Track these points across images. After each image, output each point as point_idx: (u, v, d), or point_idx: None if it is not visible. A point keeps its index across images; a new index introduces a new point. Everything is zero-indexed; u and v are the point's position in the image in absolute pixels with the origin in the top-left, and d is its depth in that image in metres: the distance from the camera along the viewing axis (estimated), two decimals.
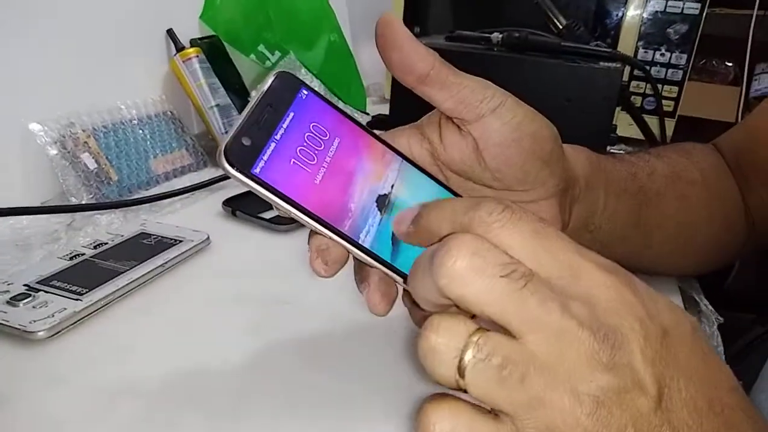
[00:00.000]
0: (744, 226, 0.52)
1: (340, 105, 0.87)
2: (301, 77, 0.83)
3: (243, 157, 0.25)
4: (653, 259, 0.48)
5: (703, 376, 0.22)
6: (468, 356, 0.21)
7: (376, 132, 0.32)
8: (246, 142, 0.25)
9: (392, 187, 0.29)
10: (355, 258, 0.28)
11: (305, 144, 0.27)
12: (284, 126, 0.27)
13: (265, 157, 0.25)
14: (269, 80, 0.28)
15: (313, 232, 0.28)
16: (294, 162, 0.27)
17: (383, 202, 0.29)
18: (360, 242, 0.27)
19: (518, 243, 0.22)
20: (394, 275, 0.27)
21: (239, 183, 0.25)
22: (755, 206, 0.52)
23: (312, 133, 0.28)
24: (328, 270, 0.28)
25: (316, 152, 0.28)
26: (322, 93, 0.31)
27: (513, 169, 0.32)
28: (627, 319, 0.21)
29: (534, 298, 0.21)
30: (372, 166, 0.29)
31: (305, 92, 0.29)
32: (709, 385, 0.22)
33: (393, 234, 0.27)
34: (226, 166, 0.24)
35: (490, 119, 0.31)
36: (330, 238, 0.27)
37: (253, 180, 0.25)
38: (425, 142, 0.34)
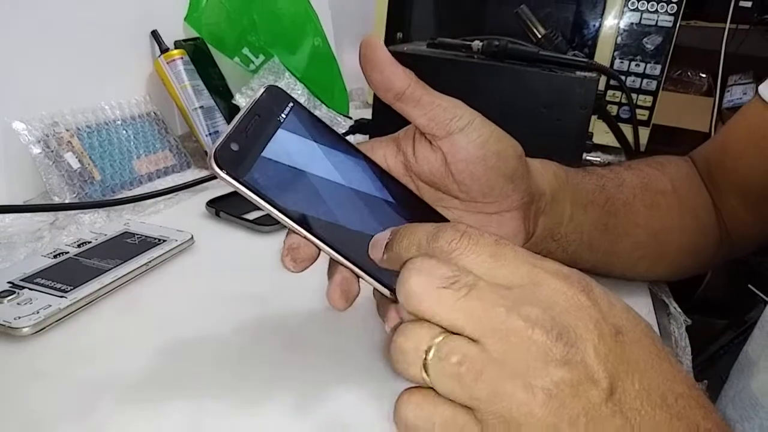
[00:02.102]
0: (717, 234, 0.54)
1: (324, 120, 0.89)
2: (285, 80, 0.84)
3: (231, 161, 0.27)
4: (623, 265, 0.50)
5: (657, 371, 0.24)
6: (430, 356, 0.24)
7: (358, 141, 0.35)
8: (234, 147, 0.28)
9: (366, 195, 0.32)
10: (330, 258, 0.31)
11: (289, 152, 0.30)
12: (271, 135, 0.30)
13: (251, 162, 0.28)
14: (259, 92, 0.31)
15: (289, 231, 0.30)
16: (278, 167, 0.29)
17: (358, 208, 0.31)
18: (332, 243, 0.29)
19: (476, 264, 0.24)
20: (365, 275, 0.30)
21: (226, 184, 0.27)
22: (728, 216, 0.54)
23: (296, 142, 0.31)
24: (296, 266, 0.31)
25: (299, 160, 0.30)
26: (307, 106, 0.35)
27: (478, 183, 0.35)
28: (582, 320, 0.24)
29: (479, 303, 0.23)
30: (350, 175, 0.32)
31: (292, 105, 0.32)
32: (663, 378, 0.24)
33: (367, 237, 0.30)
34: (215, 167, 0.27)
35: (458, 137, 0.34)
36: (305, 237, 0.29)
37: (239, 182, 0.27)
38: (400, 155, 0.36)
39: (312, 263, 0.31)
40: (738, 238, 0.55)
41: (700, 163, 0.57)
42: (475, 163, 0.35)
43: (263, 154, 0.29)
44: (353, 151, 0.34)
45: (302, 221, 0.29)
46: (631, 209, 0.48)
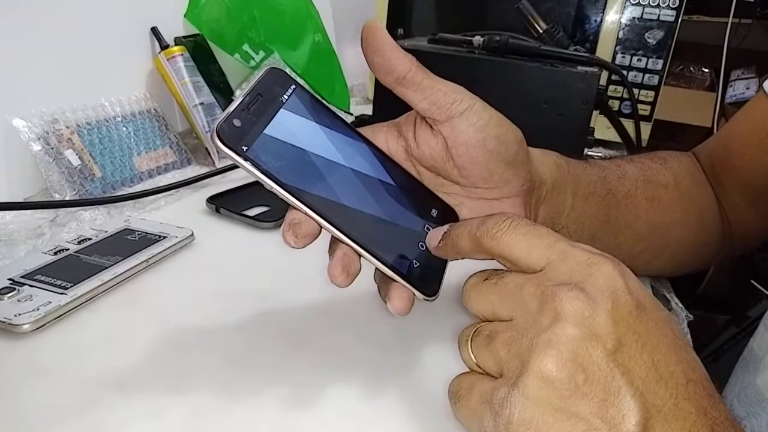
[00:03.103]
0: (720, 229, 0.54)
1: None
2: None
3: (233, 136, 0.28)
4: (624, 258, 0.50)
5: (671, 351, 0.25)
6: (471, 335, 0.29)
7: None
8: (237, 123, 0.28)
9: (367, 176, 0.33)
10: (331, 235, 0.32)
11: (291, 131, 0.30)
12: (273, 114, 0.30)
13: (253, 138, 0.29)
14: (260, 73, 0.31)
15: (291, 207, 0.31)
16: (280, 145, 0.30)
17: (358, 188, 0.32)
18: (332, 220, 0.30)
19: (517, 242, 0.28)
20: (365, 252, 0.31)
21: (229, 159, 0.28)
22: (731, 212, 0.54)
23: (298, 122, 0.31)
24: (297, 242, 0.31)
25: (301, 139, 0.31)
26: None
27: (478, 167, 0.35)
28: (604, 284, 0.26)
29: (506, 288, 0.28)
30: (351, 157, 0.33)
31: (294, 87, 0.32)
32: (676, 359, 0.25)
33: (368, 216, 0.31)
34: (218, 142, 0.27)
35: (458, 120, 0.34)
36: (306, 213, 0.30)
37: (241, 156, 0.28)
38: (401, 139, 0.37)
39: (313, 240, 0.32)
40: (741, 234, 0.55)
41: (703, 158, 0.56)
42: (475, 147, 0.35)
43: (265, 131, 0.29)
44: (355, 134, 0.34)
45: (303, 197, 0.29)
46: (633, 201, 0.48)
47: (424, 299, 0.32)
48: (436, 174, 0.37)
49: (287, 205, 0.30)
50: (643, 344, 0.25)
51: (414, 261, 0.32)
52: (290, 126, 0.31)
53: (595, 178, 0.47)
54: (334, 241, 0.33)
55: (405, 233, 0.33)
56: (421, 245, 0.33)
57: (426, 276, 0.32)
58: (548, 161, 0.42)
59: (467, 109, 0.34)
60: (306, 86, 0.86)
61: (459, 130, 0.34)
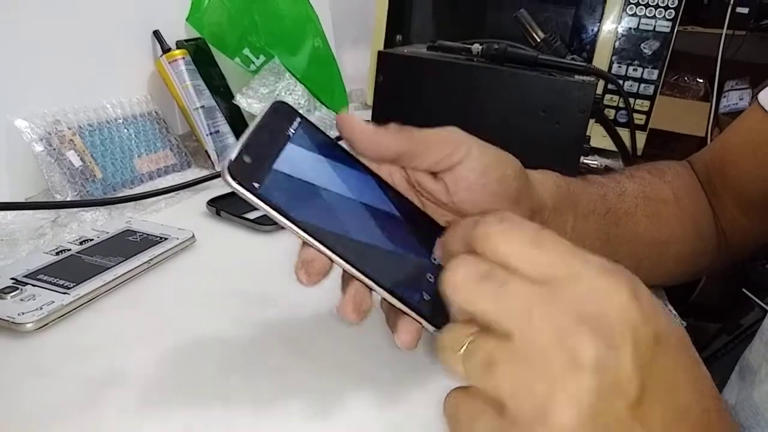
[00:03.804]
0: (715, 240, 0.55)
1: (324, 121, 0.89)
2: (285, 81, 0.84)
3: (244, 173, 0.27)
4: None
5: (687, 382, 0.24)
6: (463, 352, 0.24)
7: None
8: (247, 159, 0.28)
9: (375, 209, 0.33)
10: (343, 271, 0.31)
11: (299, 165, 0.30)
12: (281, 148, 0.30)
13: (264, 174, 0.28)
14: (267, 108, 0.31)
15: (303, 244, 0.30)
16: (289, 180, 0.29)
17: (367, 222, 0.32)
18: (344, 255, 0.29)
19: (515, 251, 0.24)
20: (377, 287, 0.30)
21: (240, 195, 0.27)
22: (726, 220, 0.54)
23: (305, 156, 0.31)
24: (309, 280, 0.31)
25: (309, 173, 0.30)
26: (307, 107, 0.35)
27: (481, 207, 0.36)
28: (622, 323, 0.22)
29: (511, 299, 0.23)
30: (358, 190, 0.32)
31: (299, 120, 0.32)
32: (692, 390, 0.24)
33: (378, 250, 0.31)
34: (229, 179, 0.27)
35: (458, 168, 0.34)
36: (318, 249, 0.29)
37: (253, 194, 0.27)
38: (404, 172, 0.37)
39: (324, 277, 0.31)
40: (736, 242, 0.55)
41: (699, 168, 0.57)
42: (477, 191, 0.35)
43: (275, 166, 0.29)
44: (360, 165, 0.34)
45: (315, 233, 0.29)
46: (633, 219, 0.49)
47: (434, 332, 0.31)
48: (439, 206, 0.37)
49: None
50: (664, 385, 0.23)
51: (423, 293, 0.31)
52: (298, 160, 0.30)
53: (594, 197, 0.47)
54: (347, 278, 0.32)
55: (414, 265, 0.32)
56: (430, 277, 0.32)
57: (435, 307, 0.31)
58: (548, 183, 0.42)
59: (465, 156, 0.34)
60: (303, 104, 0.87)
61: (460, 177, 0.35)
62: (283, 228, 0.29)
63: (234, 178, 0.27)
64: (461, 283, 0.24)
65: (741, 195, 0.53)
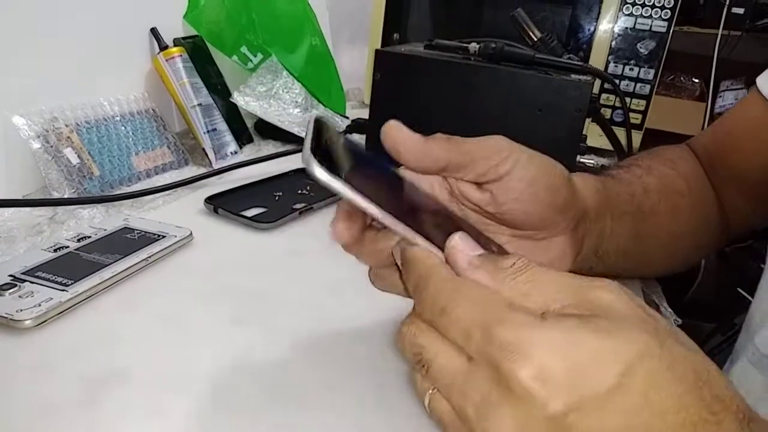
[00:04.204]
0: (721, 225, 0.56)
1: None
2: (283, 79, 0.84)
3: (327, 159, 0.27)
4: (650, 268, 0.53)
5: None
6: (427, 403, 0.26)
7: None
8: (325, 154, 0.27)
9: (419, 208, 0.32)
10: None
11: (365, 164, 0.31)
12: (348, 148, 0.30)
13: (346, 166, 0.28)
14: (312, 122, 0.30)
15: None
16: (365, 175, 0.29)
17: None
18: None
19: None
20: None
21: (323, 184, 0.26)
22: (727, 203, 0.56)
23: (364, 159, 0.31)
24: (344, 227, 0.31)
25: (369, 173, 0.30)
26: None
27: (530, 218, 0.35)
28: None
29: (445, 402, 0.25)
30: (404, 195, 0.32)
31: (345, 136, 0.32)
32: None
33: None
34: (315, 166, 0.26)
35: (507, 179, 0.33)
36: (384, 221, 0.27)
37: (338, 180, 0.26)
38: (446, 184, 0.35)
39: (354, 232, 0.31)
40: (735, 223, 0.57)
41: (700, 153, 0.58)
42: (526, 202, 0.34)
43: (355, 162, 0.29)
44: (401, 179, 0.33)
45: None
46: (656, 214, 0.49)
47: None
48: (482, 215, 0.36)
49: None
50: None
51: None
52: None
53: (626, 197, 0.47)
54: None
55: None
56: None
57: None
58: (589, 189, 0.41)
59: (513, 166, 0.33)
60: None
61: (509, 188, 0.34)
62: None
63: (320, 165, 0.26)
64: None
65: (741, 180, 0.54)
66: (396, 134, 0.32)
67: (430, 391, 0.26)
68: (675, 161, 0.55)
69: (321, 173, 0.25)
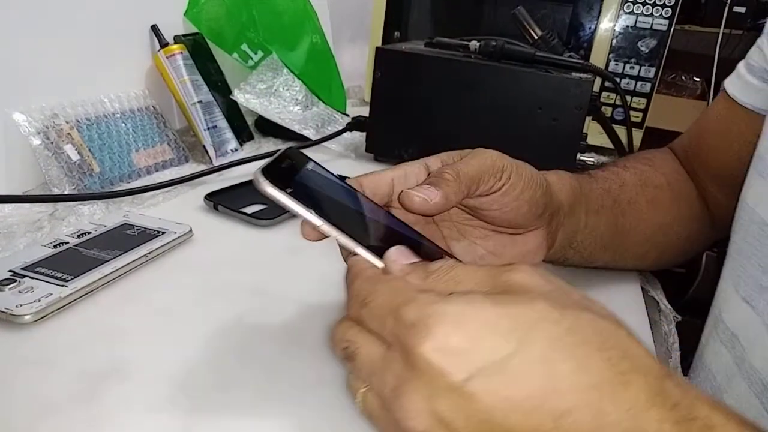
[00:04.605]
0: (707, 218, 0.57)
1: (322, 116, 0.89)
2: (284, 77, 0.85)
3: (277, 180, 0.30)
4: (634, 260, 0.54)
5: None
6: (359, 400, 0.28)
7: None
8: (277, 172, 0.30)
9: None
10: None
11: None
12: (303, 171, 0.33)
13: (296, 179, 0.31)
14: (277, 154, 0.33)
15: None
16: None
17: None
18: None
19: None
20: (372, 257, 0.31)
21: (268, 196, 0.30)
22: (709, 201, 0.57)
23: (319, 183, 0.33)
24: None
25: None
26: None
27: (510, 224, 0.38)
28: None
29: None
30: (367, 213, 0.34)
31: (313, 163, 0.34)
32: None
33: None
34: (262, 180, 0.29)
35: (497, 193, 0.36)
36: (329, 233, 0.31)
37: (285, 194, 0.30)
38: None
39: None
40: (719, 220, 0.58)
41: (680, 153, 0.60)
42: (510, 212, 0.37)
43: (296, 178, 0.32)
44: (372, 203, 0.35)
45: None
46: (636, 206, 0.51)
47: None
48: (465, 212, 0.39)
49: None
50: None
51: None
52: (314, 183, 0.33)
53: (601, 192, 0.49)
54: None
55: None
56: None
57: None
58: (565, 187, 0.44)
59: (506, 182, 0.36)
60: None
61: (496, 200, 0.36)
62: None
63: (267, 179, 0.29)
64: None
65: (717, 176, 0.55)
66: (417, 202, 0.33)
67: (362, 390, 0.27)
68: (653, 159, 0.57)
69: (265, 185, 0.29)
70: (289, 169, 0.32)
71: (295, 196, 0.30)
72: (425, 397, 0.23)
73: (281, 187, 0.29)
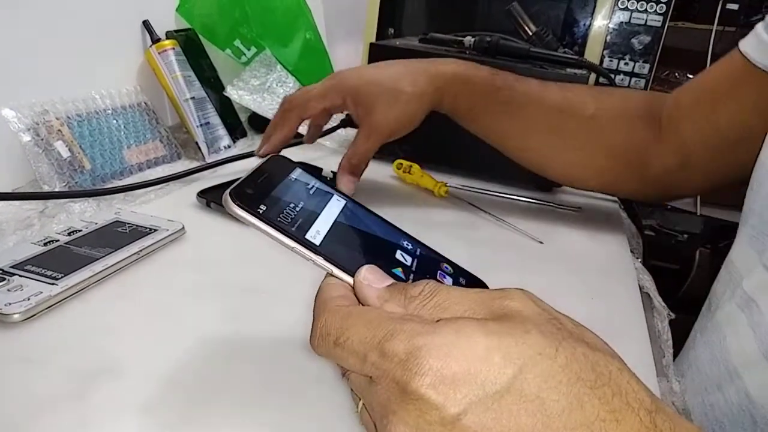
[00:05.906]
0: (638, 170, 0.60)
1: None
2: (277, 73, 0.84)
3: (247, 201, 0.29)
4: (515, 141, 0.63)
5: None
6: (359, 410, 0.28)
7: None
8: (249, 191, 0.29)
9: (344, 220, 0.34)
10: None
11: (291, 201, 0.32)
12: (278, 186, 0.32)
13: (273, 195, 0.31)
14: (264, 161, 0.33)
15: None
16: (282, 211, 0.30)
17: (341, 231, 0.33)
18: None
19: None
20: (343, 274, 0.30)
21: (241, 219, 0.29)
22: (665, 162, 0.58)
23: (301, 195, 0.33)
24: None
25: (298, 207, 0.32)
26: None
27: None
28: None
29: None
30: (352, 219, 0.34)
31: (299, 171, 0.34)
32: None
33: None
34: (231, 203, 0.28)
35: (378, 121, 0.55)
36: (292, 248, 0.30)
37: (255, 217, 0.29)
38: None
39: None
40: (671, 188, 0.61)
41: (669, 104, 0.59)
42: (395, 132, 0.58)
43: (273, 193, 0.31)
44: (364, 208, 0.35)
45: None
46: (531, 105, 0.60)
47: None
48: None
49: None
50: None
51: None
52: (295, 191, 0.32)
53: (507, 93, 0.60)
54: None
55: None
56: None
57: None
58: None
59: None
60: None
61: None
62: None
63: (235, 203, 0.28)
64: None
65: (708, 135, 0.55)
66: (346, 175, 0.46)
67: (361, 403, 0.27)
68: (602, 91, 0.63)
69: (234, 208, 0.28)
70: (266, 184, 0.31)
71: (268, 215, 0.29)
72: (415, 428, 0.23)
73: (252, 206, 0.28)
